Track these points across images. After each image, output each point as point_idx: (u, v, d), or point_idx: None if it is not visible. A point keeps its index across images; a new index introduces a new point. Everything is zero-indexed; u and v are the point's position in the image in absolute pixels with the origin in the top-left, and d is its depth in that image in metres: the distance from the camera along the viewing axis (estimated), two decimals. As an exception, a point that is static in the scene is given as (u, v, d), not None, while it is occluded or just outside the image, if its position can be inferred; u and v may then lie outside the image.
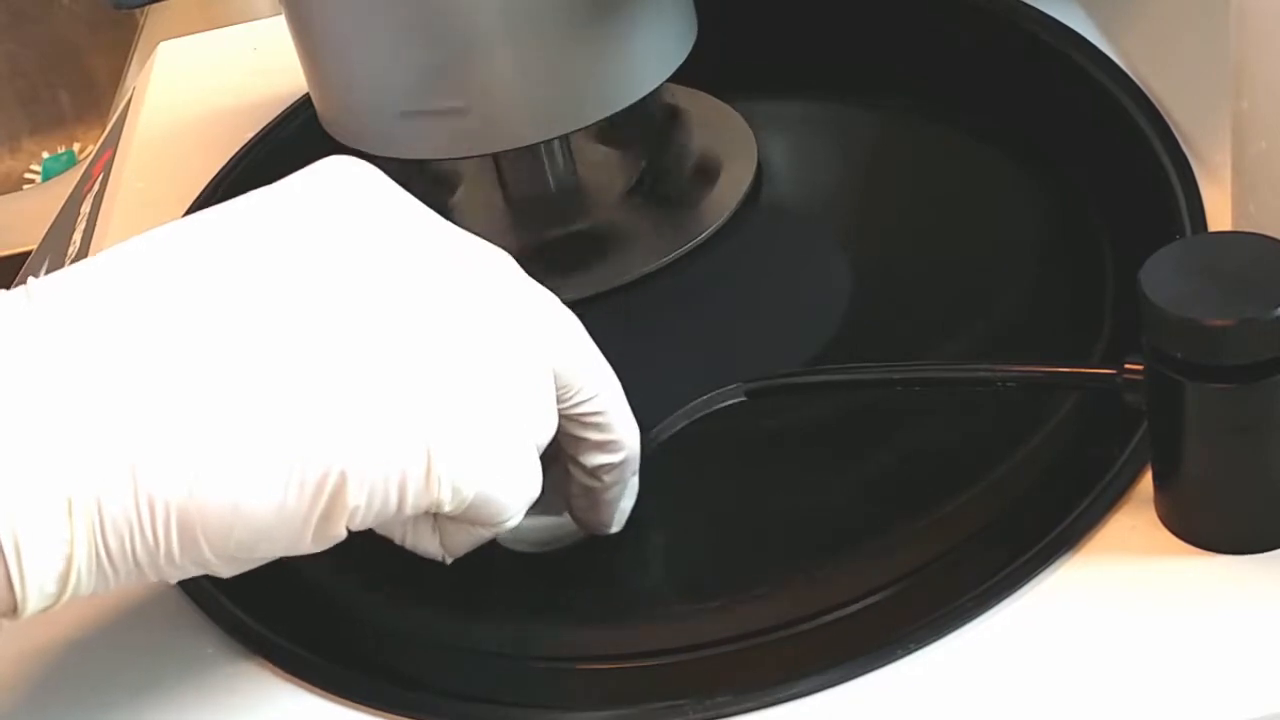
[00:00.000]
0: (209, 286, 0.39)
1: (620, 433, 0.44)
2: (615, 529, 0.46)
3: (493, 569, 0.46)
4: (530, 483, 0.41)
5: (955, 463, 0.46)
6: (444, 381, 0.39)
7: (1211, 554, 0.42)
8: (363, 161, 0.43)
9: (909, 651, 0.41)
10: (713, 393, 0.49)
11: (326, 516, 0.38)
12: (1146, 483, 0.43)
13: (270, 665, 0.44)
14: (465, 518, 0.41)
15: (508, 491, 0.41)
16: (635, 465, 0.45)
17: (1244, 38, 0.44)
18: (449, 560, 0.44)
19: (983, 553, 0.44)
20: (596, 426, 0.44)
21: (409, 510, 0.39)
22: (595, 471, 0.44)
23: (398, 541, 0.43)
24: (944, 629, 0.41)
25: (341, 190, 0.42)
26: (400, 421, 0.38)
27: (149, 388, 0.37)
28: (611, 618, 0.45)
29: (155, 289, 0.39)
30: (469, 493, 0.40)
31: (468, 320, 0.40)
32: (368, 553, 0.42)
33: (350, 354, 0.39)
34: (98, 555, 0.37)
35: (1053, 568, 0.42)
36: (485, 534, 0.43)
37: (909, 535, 0.44)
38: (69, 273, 0.39)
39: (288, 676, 0.44)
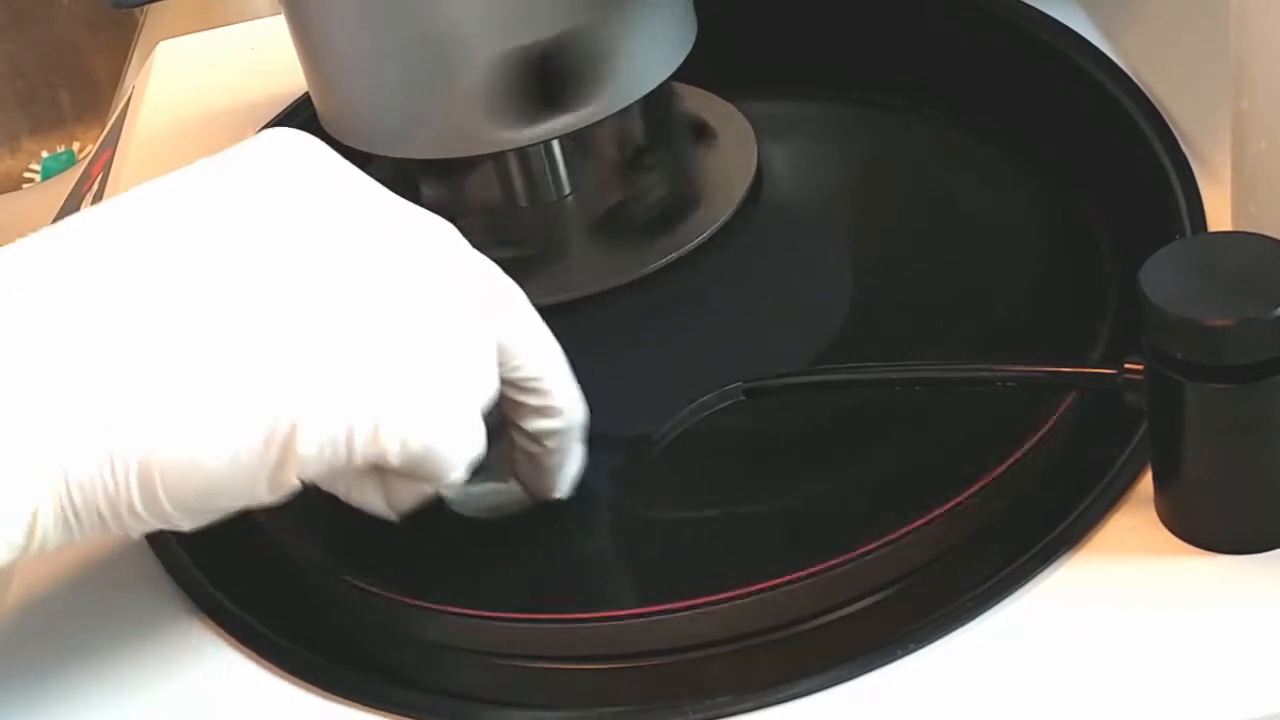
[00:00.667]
0: (160, 252, 0.40)
1: (558, 399, 0.45)
2: (560, 494, 0.47)
3: (493, 569, 0.46)
4: (472, 439, 0.43)
5: (955, 463, 0.46)
6: (389, 340, 0.41)
7: (1211, 554, 0.42)
8: (306, 134, 0.45)
9: (909, 651, 0.41)
10: (713, 393, 0.49)
11: (279, 465, 0.40)
12: (1146, 483, 0.43)
13: (269, 665, 0.44)
14: (410, 472, 0.42)
15: (452, 446, 0.42)
16: (577, 433, 0.46)
17: (1244, 38, 0.44)
18: (395, 517, 0.45)
19: (983, 553, 0.44)
20: (535, 392, 0.45)
21: (358, 460, 0.40)
22: (536, 437, 0.45)
23: (343, 498, 0.45)
24: (944, 629, 0.41)
25: (288, 159, 0.43)
26: (348, 375, 0.40)
27: (107, 349, 0.39)
28: (611, 617, 0.45)
29: (109, 256, 0.40)
30: (415, 445, 0.41)
31: (411, 283, 0.42)
32: (367, 550, 0.42)
33: (299, 312, 0.40)
34: (63, 509, 0.39)
35: (1053, 568, 0.42)
36: (429, 489, 0.44)
37: (909, 535, 0.44)
38: (23, 244, 0.41)
39: (287, 676, 0.44)
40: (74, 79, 1.25)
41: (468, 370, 0.43)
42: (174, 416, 0.39)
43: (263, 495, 0.40)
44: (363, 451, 0.40)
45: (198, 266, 0.40)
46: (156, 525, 0.40)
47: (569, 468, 0.47)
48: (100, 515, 0.39)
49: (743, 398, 0.49)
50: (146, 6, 0.99)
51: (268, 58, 0.76)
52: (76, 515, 0.39)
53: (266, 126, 0.69)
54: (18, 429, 0.38)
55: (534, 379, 0.45)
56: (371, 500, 0.45)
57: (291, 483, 0.40)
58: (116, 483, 0.39)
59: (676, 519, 0.48)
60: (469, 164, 0.63)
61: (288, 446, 0.39)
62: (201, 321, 0.39)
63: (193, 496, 0.40)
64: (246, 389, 0.39)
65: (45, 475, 0.38)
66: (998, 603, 0.41)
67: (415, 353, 0.41)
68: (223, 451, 0.39)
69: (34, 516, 0.38)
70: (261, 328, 0.40)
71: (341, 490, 0.45)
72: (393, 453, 0.41)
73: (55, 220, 0.76)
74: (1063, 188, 0.57)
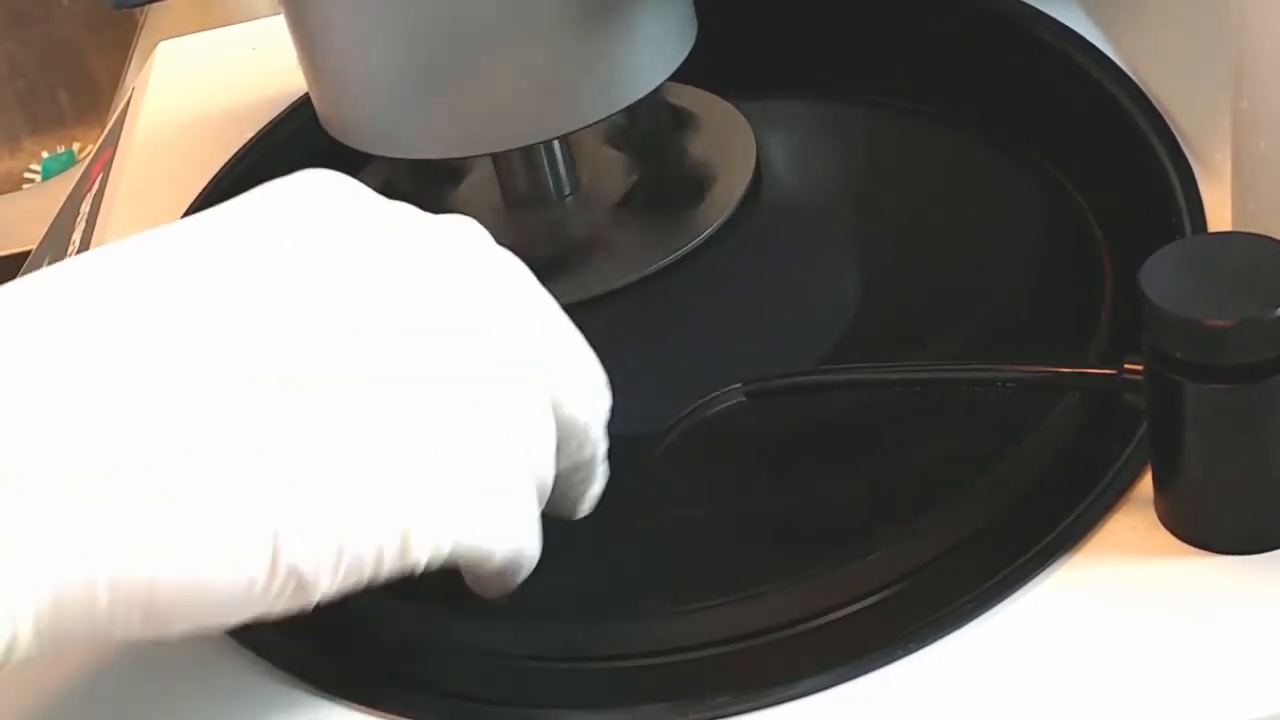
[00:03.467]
0: (167, 335, 0.37)
1: (596, 434, 0.43)
2: (582, 515, 0.45)
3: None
4: (517, 526, 0.40)
5: (955, 463, 0.46)
6: (417, 433, 0.38)
7: (1211, 554, 0.42)
8: (336, 174, 0.41)
9: (909, 651, 0.41)
10: (713, 393, 0.49)
11: (296, 593, 0.37)
12: (1146, 483, 0.43)
13: (269, 664, 0.44)
14: (452, 565, 0.40)
15: (491, 540, 0.40)
16: (603, 455, 0.44)
17: (1244, 38, 0.44)
18: (496, 604, 0.43)
19: (983, 553, 0.44)
20: (576, 435, 0.42)
21: (384, 577, 0.38)
22: (566, 470, 0.43)
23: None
24: (944, 629, 0.41)
25: (314, 209, 0.40)
26: (370, 494, 0.37)
27: (102, 465, 0.35)
28: (611, 618, 0.45)
29: (110, 338, 0.36)
30: (446, 550, 0.39)
31: (452, 352, 0.39)
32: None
33: (320, 418, 0.37)
34: (46, 640, 0.35)
35: (1053, 568, 0.42)
36: (498, 580, 0.42)
37: (909, 535, 0.44)
38: (17, 310, 0.37)
39: (287, 676, 0.44)
40: (74, 79, 1.25)
41: (512, 445, 0.40)
42: (179, 543, 0.35)
43: (278, 615, 0.37)
44: (389, 570, 0.38)
45: (204, 357, 0.36)
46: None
47: (595, 488, 0.45)
48: (92, 635, 0.35)
49: (743, 398, 0.49)
50: (146, 6, 0.99)
51: (268, 58, 0.76)
52: (62, 641, 0.35)
53: (266, 126, 0.69)
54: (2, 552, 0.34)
55: (580, 422, 0.42)
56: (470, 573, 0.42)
57: (310, 604, 0.37)
58: (113, 615, 0.35)
59: (676, 519, 0.48)
60: (469, 164, 0.63)
61: (311, 579, 0.37)
62: (209, 430, 0.36)
63: (202, 622, 0.36)
64: (262, 513, 0.36)
65: (23, 606, 0.34)
66: (998, 603, 0.41)
67: (452, 450, 0.38)
68: (235, 588, 0.36)
69: (9, 645, 0.34)
70: (276, 436, 0.36)
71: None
72: (423, 564, 0.38)
73: (54, 220, 0.76)
74: (1063, 188, 0.57)
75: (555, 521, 0.47)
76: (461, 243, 0.42)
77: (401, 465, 0.38)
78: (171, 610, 0.36)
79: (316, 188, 0.41)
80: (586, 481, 0.44)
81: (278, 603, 0.37)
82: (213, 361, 0.36)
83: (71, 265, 0.38)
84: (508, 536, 0.40)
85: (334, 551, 0.37)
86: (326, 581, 0.37)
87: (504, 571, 0.41)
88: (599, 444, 0.44)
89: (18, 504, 0.34)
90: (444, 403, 0.38)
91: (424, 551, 0.38)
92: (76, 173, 0.86)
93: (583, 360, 0.43)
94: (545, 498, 0.42)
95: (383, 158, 0.58)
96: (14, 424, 0.35)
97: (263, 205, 0.40)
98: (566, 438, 0.42)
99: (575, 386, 0.42)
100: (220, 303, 0.37)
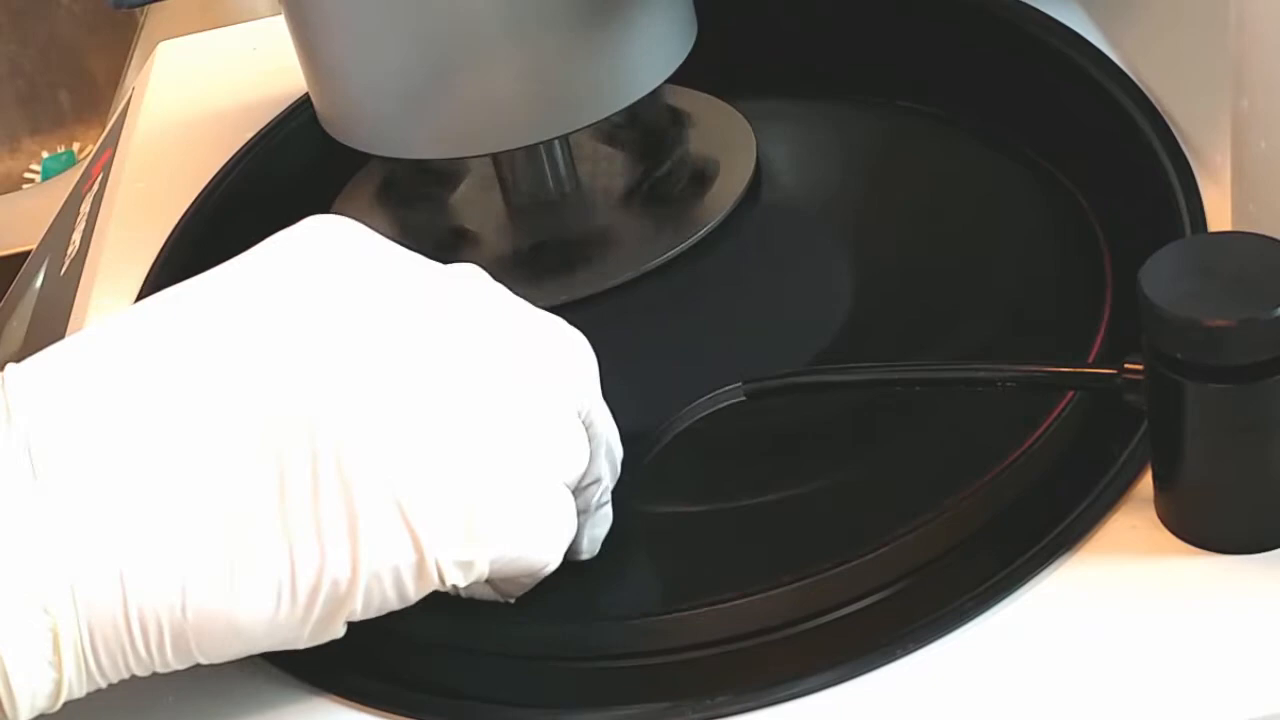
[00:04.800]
0: (187, 386, 0.38)
1: (605, 468, 0.44)
2: (586, 555, 0.45)
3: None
4: (555, 531, 0.41)
5: (955, 463, 0.46)
6: (432, 454, 0.38)
7: (1211, 554, 0.42)
8: (342, 220, 0.42)
9: (909, 651, 0.41)
10: (713, 393, 0.49)
11: (322, 622, 0.38)
12: (1146, 483, 0.43)
13: (269, 664, 0.44)
14: (498, 578, 0.41)
15: (531, 550, 0.41)
16: (607, 494, 0.45)
17: (1244, 38, 0.44)
18: (511, 601, 0.44)
19: (983, 553, 0.44)
20: (589, 465, 0.43)
21: (415, 599, 0.39)
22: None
23: (451, 593, 0.42)
24: (944, 629, 0.41)
25: (323, 255, 0.41)
26: (384, 516, 0.38)
27: (133, 505, 0.37)
28: (611, 617, 0.45)
29: (132, 393, 0.38)
30: (483, 567, 0.39)
31: (465, 374, 0.40)
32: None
33: (331, 447, 0.38)
34: (88, 671, 0.37)
35: (1053, 568, 0.42)
36: (530, 581, 0.43)
37: (909, 535, 0.44)
38: (45, 377, 0.38)
39: (286, 676, 0.44)
40: (74, 79, 1.25)
41: (542, 453, 0.40)
42: (207, 581, 0.37)
43: (304, 644, 0.39)
44: (418, 592, 0.39)
45: (225, 402, 0.38)
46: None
47: (600, 529, 0.45)
48: (129, 670, 0.38)
49: (743, 398, 0.49)
50: (146, 6, 0.99)
51: (268, 58, 0.76)
52: (104, 675, 0.38)
53: (266, 126, 0.69)
54: (39, 600, 0.36)
55: (600, 438, 0.43)
56: (478, 592, 0.43)
57: (338, 634, 0.39)
58: (149, 649, 0.37)
59: (675, 519, 0.48)
60: (469, 164, 0.63)
61: (332, 603, 0.38)
62: (231, 469, 0.37)
63: (231, 654, 0.39)
64: (283, 544, 0.37)
65: (68, 649, 0.37)
66: (998, 603, 0.41)
67: (471, 457, 0.39)
68: (262, 612, 0.38)
69: (56, 684, 0.37)
70: (293, 471, 0.37)
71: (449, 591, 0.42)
72: (459, 580, 0.39)
73: (54, 220, 0.76)
74: (1062, 187, 0.57)
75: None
76: (477, 282, 0.42)
77: (423, 489, 0.38)
78: (200, 640, 0.37)
79: (329, 236, 0.41)
80: (591, 524, 0.45)
81: (304, 633, 0.38)
82: (239, 405, 0.38)
83: (97, 332, 0.40)
84: (555, 542, 0.41)
85: (351, 577, 0.38)
86: (354, 608, 0.38)
87: (537, 575, 0.42)
88: (606, 483, 0.44)
89: (54, 547, 0.36)
90: (470, 423, 0.39)
91: (452, 570, 0.39)
92: (76, 173, 0.86)
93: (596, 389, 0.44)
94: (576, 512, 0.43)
95: (383, 158, 0.58)
96: (46, 474, 0.37)
97: (280, 257, 0.41)
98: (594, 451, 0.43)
99: (597, 409, 0.43)
100: (245, 349, 0.38)
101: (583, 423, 0.42)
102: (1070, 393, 0.47)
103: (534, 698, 0.44)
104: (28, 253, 0.78)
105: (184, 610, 0.37)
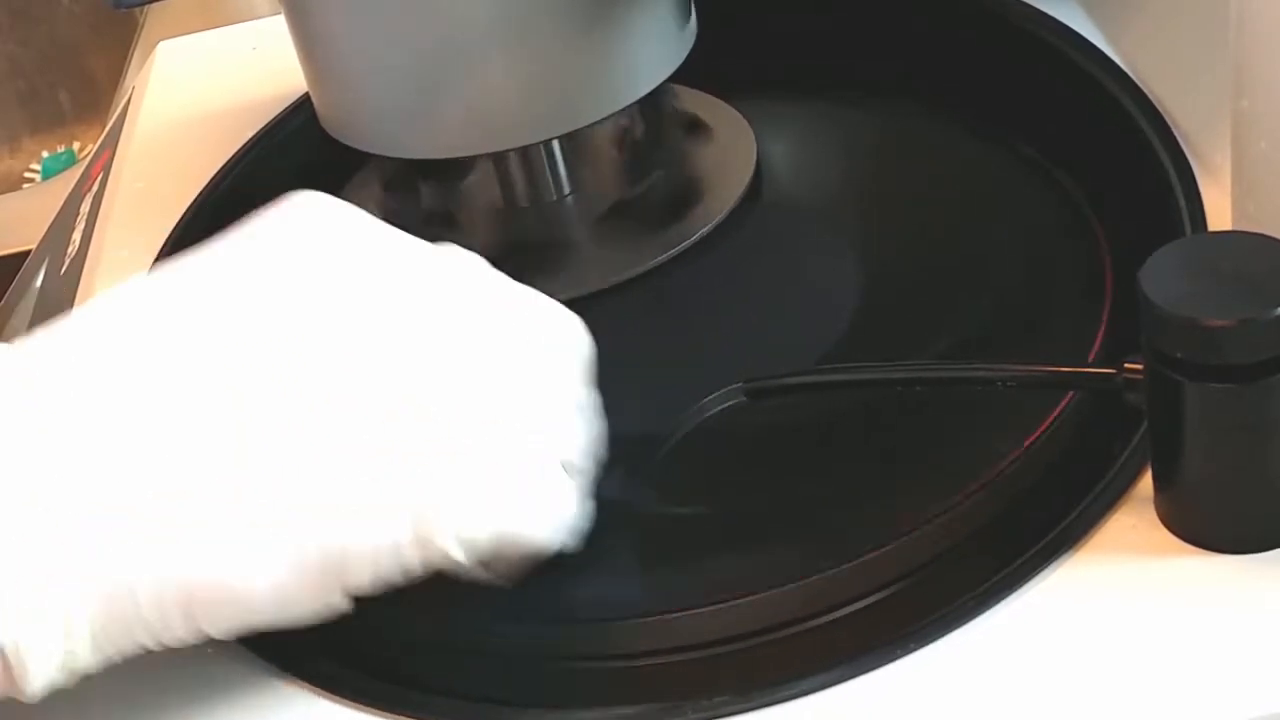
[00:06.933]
0: (187, 362, 0.39)
1: (589, 459, 0.44)
2: (569, 547, 0.44)
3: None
4: (556, 511, 0.42)
5: (955, 463, 0.46)
6: (434, 432, 0.39)
7: (1211, 554, 0.42)
8: (324, 196, 0.43)
9: (909, 651, 0.41)
10: (713, 393, 0.49)
11: (325, 596, 0.39)
12: (1146, 483, 0.43)
13: (269, 664, 0.44)
14: (499, 559, 0.41)
15: (532, 529, 0.41)
16: (590, 486, 0.45)
17: (1244, 38, 0.44)
18: (509, 585, 0.43)
19: (983, 553, 0.44)
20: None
21: (419, 573, 0.39)
22: None
23: (450, 574, 0.42)
24: (944, 629, 0.41)
25: (312, 231, 0.41)
26: (385, 494, 0.38)
27: (139, 484, 0.37)
28: (611, 618, 0.45)
29: (132, 368, 0.39)
30: (483, 544, 0.40)
31: (462, 352, 0.40)
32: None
33: (331, 425, 0.38)
34: (99, 649, 0.38)
35: (1053, 568, 0.42)
36: (530, 564, 0.43)
37: (909, 535, 0.44)
38: (45, 352, 0.39)
39: (287, 676, 0.44)
40: (74, 79, 1.25)
41: (541, 432, 0.41)
42: (213, 556, 0.38)
43: (308, 620, 0.40)
44: (422, 566, 0.39)
45: (226, 376, 0.38)
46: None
47: (582, 521, 0.44)
48: (140, 646, 0.38)
49: (743, 398, 0.49)
50: (146, 6, 0.99)
51: (268, 58, 0.76)
52: (115, 648, 0.38)
53: (266, 126, 0.69)
54: (50, 574, 0.37)
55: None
56: (478, 575, 0.43)
57: (342, 607, 0.39)
58: (159, 621, 0.38)
59: (676, 519, 0.48)
60: (469, 164, 0.63)
61: (334, 576, 0.38)
62: (235, 444, 0.38)
63: (238, 627, 0.39)
64: (286, 520, 0.38)
65: (79, 622, 0.37)
66: (998, 603, 0.41)
67: (472, 435, 0.39)
68: (266, 590, 0.38)
69: (70, 657, 0.38)
70: (295, 446, 0.38)
71: (450, 572, 0.43)
72: (460, 557, 0.39)
73: (54, 220, 0.76)
74: (1063, 187, 0.57)
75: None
76: (467, 261, 0.43)
77: (429, 464, 0.39)
78: (208, 610, 0.38)
79: (313, 213, 0.42)
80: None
81: (308, 606, 0.39)
82: (233, 382, 0.38)
83: (86, 313, 0.40)
84: (547, 528, 0.41)
85: (354, 552, 0.38)
86: (357, 581, 0.39)
87: (539, 553, 0.42)
88: (591, 474, 0.44)
89: (62, 524, 0.37)
90: (469, 400, 0.40)
91: (453, 545, 0.39)
92: (76, 173, 0.86)
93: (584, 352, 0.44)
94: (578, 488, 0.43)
95: (383, 158, 0.58)
96: (50, 452, 0.37)
97: (266, 235, 0.41)
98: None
99: (591, 394, 0.44)
100: (242, 326, 0.39)
101: (578, 406, 0.43)
102: (1070, 393, 0.47)
103: (534, 697, 0.44)
104: (28, 253, 0.78)
105: (191, 582, 0.38)
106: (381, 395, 0.39)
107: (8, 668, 0.37)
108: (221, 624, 0.39)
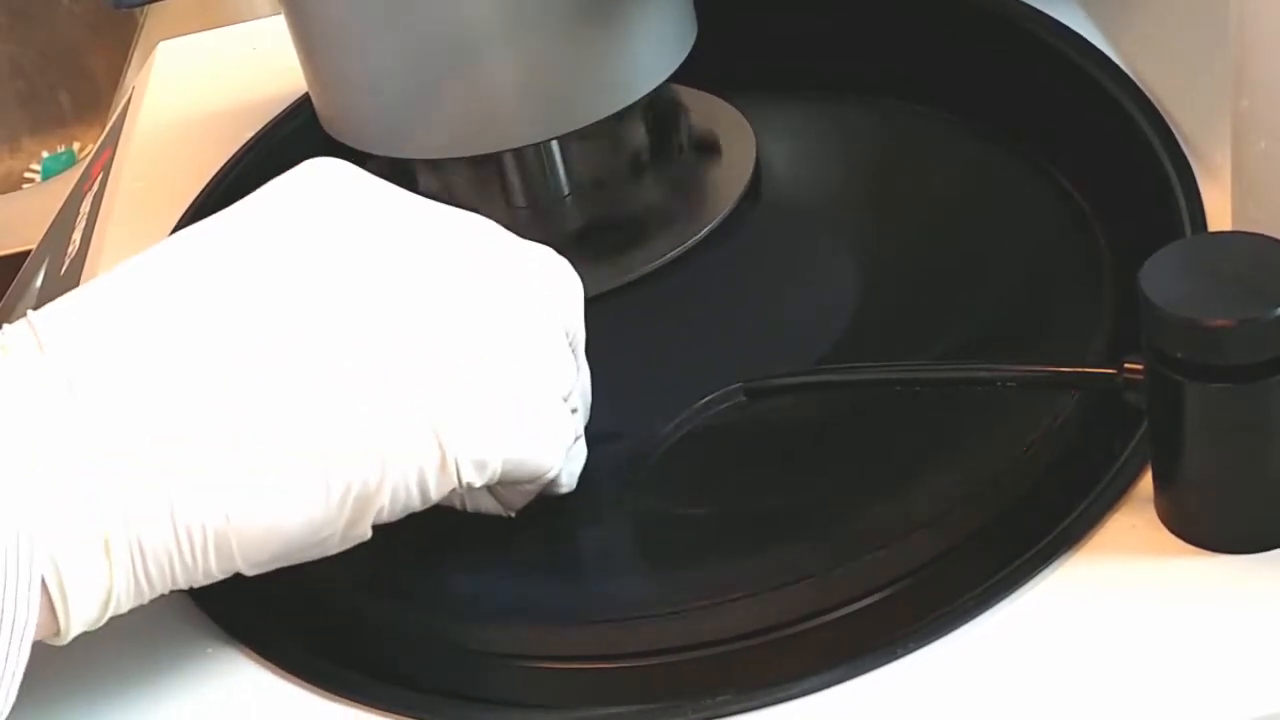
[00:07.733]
0: (211, 309, 0.40)
1: (578, 399, 0.46)
2: (565, 489, 0.46)
3: (492, 569, 0.46)
4: (557, 437, 0.43)
5: (955, 463, 0.46)
6: (446, 364, 0.41)
7: (1211, 554, 0.42)
8: (339, 160, 0.45)
9: (909, 651, 0.41)
10: (713, 393, 0.49)
11: (353, 522, 0.40)
12: (1146, 483, 0.43)
13: (270, 664, 0.44)
14: (507, 482, 0.43)
15: (538, 452, 0.43)
16: (581, 428, 0.46)
17: (1244, 38, 0.44)
18: (512, 514, 0.46)
19: (983, 553, 0.44)
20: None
21: (435, 498, 0.41)
22: None
23: (458, 507, 0.45)
24: (944, 629, 0.41)
25: (326, 190, 0.43)
26: (408, 418, 0.40)
27: (172, 420, 0.39)
28: (611, 618, 0.45)
29: (160, 317, 0.40)
30: (495, 465, 0.42)
31: (467, 294, 0.42)
32: (367, 551, 0.42)
33: (352, 358, 0.40)
34: (137, 582, 0.39)
35: (1053, 568, 0.42)
36: (534, 489, 0.45)
37: (909, 535, 0.44)
38: (72, 310, 0.41)
39: (287, 676, 0.44)
40: (74, 79, 1.25)
41: (539, 366, 0.43)
42: (246, 485, 0.39)
43: (335, 549, 0.41)
44: (438, 490, 0.41)
45: (249, 322, 0.40)
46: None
47: (575, 464, 0.46)
48: (174, 581, 0.39)
49: (743, 398, 0.49)
50: (146, 6, 0.99)
51: (268, 58, 0.76)
52: (150, 584, 0.39)
53: (266, 126, 0.69)
54: (89, 508, 0.37)
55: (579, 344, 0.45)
56: (484, 504, 0.45)
57: (366, 535, 0.41)
58: (194, 554, 0.39)
59: (675, 519, 0.48)
60: (469, 164, 0.63)
61: (361, 502, 0.40)
62: (262, 382, 0.39)
63: (267, 559, 0.40)
64: (315, 450, 0.39)
65: (121, 555, 0.38)
66: (998, 603, 0.41)
67: (477, 368, 0.41)
68: (297, 516, 0.40)
69: (108, 592, 0.38)
70: (318, 380, 0.40)
71: (456, 503, 0.45)
72: (475, 479, 0.41)
73: (54, 220, 0.76)
74: (1062, 188, 0.57)
75: (556, 520, 0.47)
76: (468, 215, 0.45)
77: (441, 394, 0.41)
78: (243, 545, 0.39)
79: (327, 177, 0.44)
80: (568, 459, 0.46)
81: (337, 532, 0.40)
82: (256, 330, 0.40)
83: (140, 268, 0.42)
84: (556, 447, 0.43)
85: (379, 475, 0.40)
86: (382, 509, 0.40)
87: (539, 480, 0.44)
88: (581, 415, 0.46)
89: (101, 460, 0.38)
90: (475, 337, 0.42)
91: (468, 468, 0.41)
92: (76, 172, 0.86)
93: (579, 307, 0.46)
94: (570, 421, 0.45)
95: (383, 158, 0.58)
96: (89, 395, 0.38)
97: (282, 199, 0.43)
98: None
99: (580, 335, 0.46)
100: (263, 294, 0.41)
101: (570, 345, 0.45)
102: (1070, 393, 0.47)
103: (534, 697, 0.44)
104: (28, 253, 0.78)
105: (227, 516, 0.39)
106: (392, 336, 0.41)
107: (49, 601, 0.37)
108: (255, 556, 0.40)
